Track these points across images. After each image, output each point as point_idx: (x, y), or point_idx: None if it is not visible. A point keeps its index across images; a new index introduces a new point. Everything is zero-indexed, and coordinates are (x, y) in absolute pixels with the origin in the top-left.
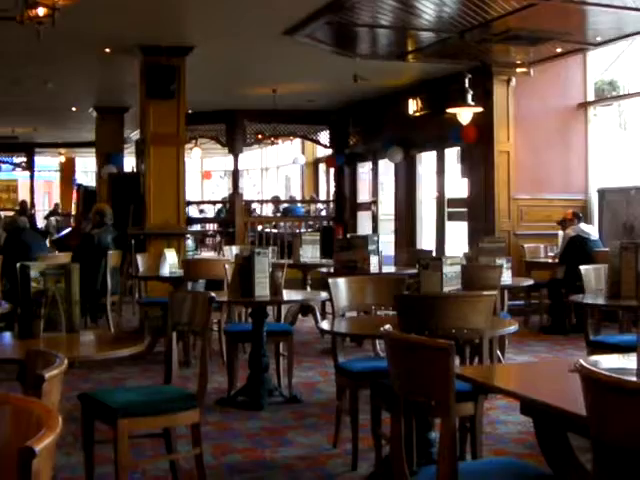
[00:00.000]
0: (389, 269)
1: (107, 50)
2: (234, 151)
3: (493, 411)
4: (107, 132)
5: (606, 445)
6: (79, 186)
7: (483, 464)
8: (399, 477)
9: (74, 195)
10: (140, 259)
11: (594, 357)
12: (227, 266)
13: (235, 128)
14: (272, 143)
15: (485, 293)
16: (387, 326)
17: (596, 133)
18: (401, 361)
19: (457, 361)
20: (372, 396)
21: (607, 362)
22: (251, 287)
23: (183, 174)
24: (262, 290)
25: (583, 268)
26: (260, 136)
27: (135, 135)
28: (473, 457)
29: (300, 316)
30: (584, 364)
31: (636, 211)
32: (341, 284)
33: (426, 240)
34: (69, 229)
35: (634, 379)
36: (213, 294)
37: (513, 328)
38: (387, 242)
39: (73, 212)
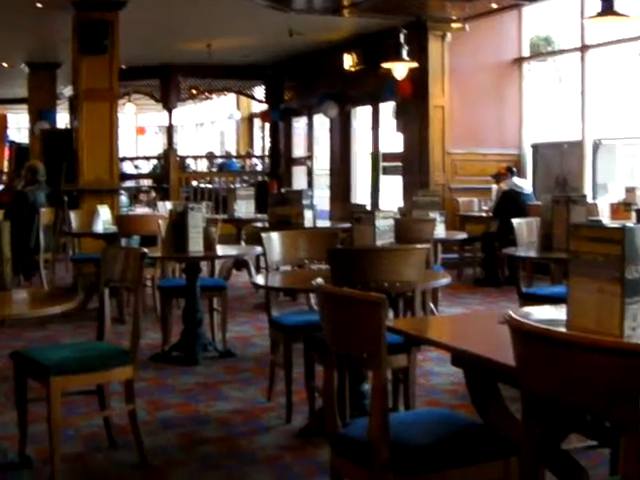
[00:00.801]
0: (324, 223)
1: (38, 5)
2: (168, 106)
3: (426, 363)
4: (39, 88)
5: (534, 395)
6: (11, 143)
7: (415, 415)
8: (331, 429)
9: (6, 152)
10: (73, 216)
11: (525, 308)
12: (161, 222)
13: (169, 83)
14: (207, 98)
15: (418, 246)
16: (319, 280)
17: (531, 88)
18: (333, 314)
19: (391, 314)
20: (305, 349)
21: (538, 313)
22: (184, 243)
23: (116, 130)
24: (195, 245)
25: (515, 221)
26: (194, 91)
27: (68, 91)
28: (406, 408)
29: (234, 271)
30: (513, 315)
31: (569, 165)
32: (274, 238)
33: (361, 194)
34: (1, 187)
35: (563, 330)
36: (145, 250)
37: (445, 281)
38: (322, 197)
39: (5, 169)
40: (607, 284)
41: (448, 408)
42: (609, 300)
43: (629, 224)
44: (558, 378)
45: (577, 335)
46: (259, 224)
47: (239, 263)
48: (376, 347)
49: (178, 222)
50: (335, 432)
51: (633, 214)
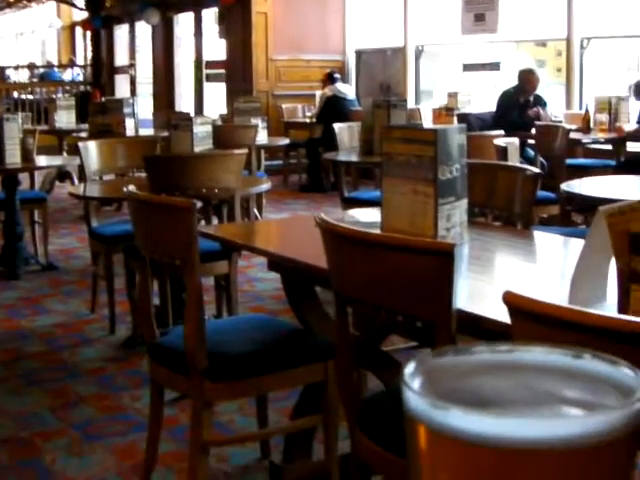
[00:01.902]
0: (147, 132)
1: None
2: None
3: (251, 269)
4: None
5: (346, 298)
6: None
7: (234, 321)
8: (148, 338)
9: None
10: None
11: (348, 212)
12: None
13: None
14: (25, 6)
15: (235, 152)
16: (130, 187)
17: None
18: (145, 222)
19: (215, 221)
20: (125, 259)
21: (357, 216)
22: (1, 155)
23: None
24: (12, 157)
25: (337, 126)
26: None
27: None
28: (229, 315)
29: (58, 182)
30: (325, 218)
31: (392, 71)
32: (92, 148)
33: (185, 102)
34: None
35: (378, 232)
36: None
37: (265, 186)
38: (146, 105)
39: None
40: (421, 185)
41: (271, 314)
42: (423, 201)
43: None
44: (368, 280)
45: (385, 235)
46: (82, 134)
47: (62, 174)
48: (188, 253)
49: None
50: (153, 341)
51: (455, 118)
